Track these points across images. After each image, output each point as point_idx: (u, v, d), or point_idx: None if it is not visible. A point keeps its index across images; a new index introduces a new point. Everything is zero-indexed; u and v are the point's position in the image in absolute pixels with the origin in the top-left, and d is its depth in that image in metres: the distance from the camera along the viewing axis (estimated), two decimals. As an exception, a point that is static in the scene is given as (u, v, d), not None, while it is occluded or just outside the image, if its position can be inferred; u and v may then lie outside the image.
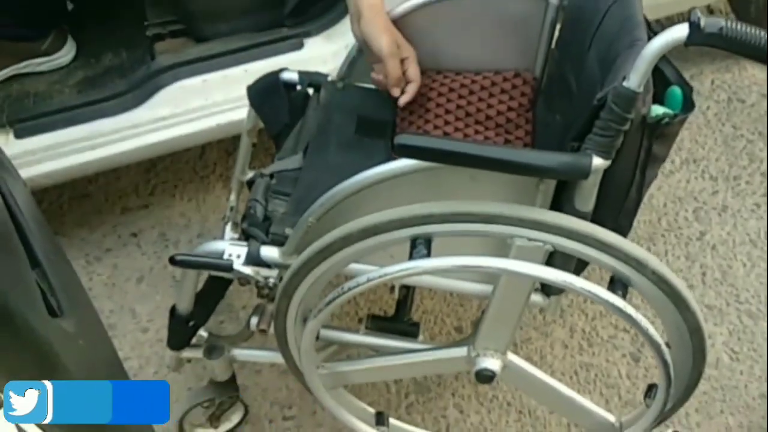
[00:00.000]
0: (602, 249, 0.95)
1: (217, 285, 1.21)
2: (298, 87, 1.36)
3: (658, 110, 0.99)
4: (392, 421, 1.35)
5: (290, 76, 1.36)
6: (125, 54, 1.73)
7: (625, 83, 0.88)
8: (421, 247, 0.96)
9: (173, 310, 1.25)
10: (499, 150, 0.94)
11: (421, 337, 1.25)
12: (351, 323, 1.66)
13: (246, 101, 1.39)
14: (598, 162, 0.91)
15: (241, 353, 1.33)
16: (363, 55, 1.31)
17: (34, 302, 0.81)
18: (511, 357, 1.15)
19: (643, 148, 0.99)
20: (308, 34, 1.64)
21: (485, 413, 1.53)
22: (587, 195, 0.97)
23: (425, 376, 1.58)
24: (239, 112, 1.55)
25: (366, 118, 1.30)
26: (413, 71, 1.22)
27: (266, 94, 1.37)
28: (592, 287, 0.94)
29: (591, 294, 0.95)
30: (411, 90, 1.21)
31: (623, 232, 1.02)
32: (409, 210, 0.96)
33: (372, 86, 1.34)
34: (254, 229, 1.14)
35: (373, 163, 1.01)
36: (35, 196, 1.13)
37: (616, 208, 1.03)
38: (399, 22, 1.26)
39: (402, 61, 1.20)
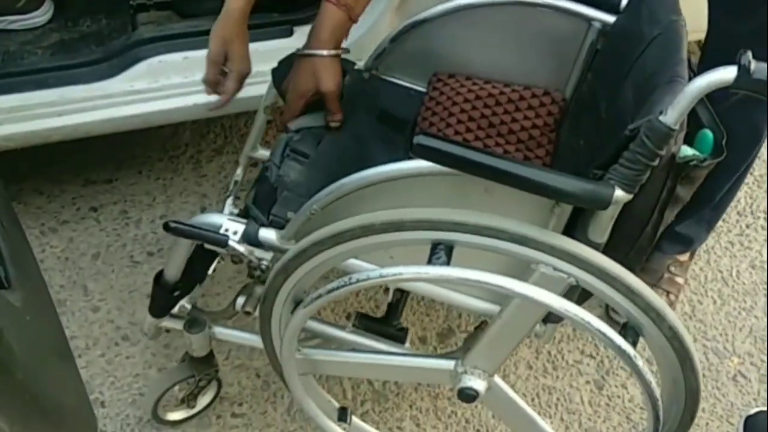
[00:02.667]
0: (626, 294, 0.93)
1: (206, 256, 1.17)
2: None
3: (687, 151, 0.96)
4: (354, 419, 1.33)
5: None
6: (105, 21, 1.64)
7: (661, 118, 0.84)
8: (441, 253, 0.92)
9: (159, 277, 1.22)
10: (521, 166, 0.90)
11: (407, 344, 1.22)
12: (329, 316, 1.62)
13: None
14: (620, 194, 0.88)
15: (221, 332, 1.30)
16: (391, 47, 1.29)
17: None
18: (497, 380, 1.12)
19: (666, 188, 0.96)
20: (299, 22, 1.55)
21: (442, 428, 1.49)
22: (603, 226, 0.93)
23: (384, 385, 1.53)
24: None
25: (387, 112, 1.27)
26: (230, 85, 1.22)
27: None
28: (607, 330, 0.93)
29: (604, 337, 0.92)
30: (223, 100, 1.23)
31: (632, 268, 0.99)
32: (441, 213, 0.93)
33: (398, 81, 1.32)
34: (255, 210, 1.11)
35: (387, 158, 0.98)
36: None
37: (629, 243, 1.00)
38: (436, 22, 1.23)
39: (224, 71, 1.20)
